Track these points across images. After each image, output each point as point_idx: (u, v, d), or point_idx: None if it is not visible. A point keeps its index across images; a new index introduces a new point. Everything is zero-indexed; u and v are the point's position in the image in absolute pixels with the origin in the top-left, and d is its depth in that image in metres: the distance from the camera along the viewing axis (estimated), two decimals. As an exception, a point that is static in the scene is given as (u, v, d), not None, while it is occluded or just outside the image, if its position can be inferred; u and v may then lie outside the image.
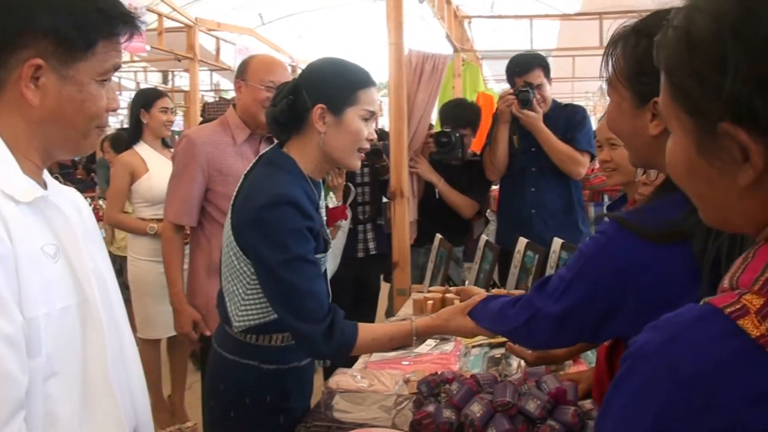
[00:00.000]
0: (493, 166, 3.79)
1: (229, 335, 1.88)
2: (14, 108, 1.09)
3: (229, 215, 1.83)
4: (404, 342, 1.83)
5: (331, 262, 2.80)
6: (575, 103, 5.44)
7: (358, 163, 1.89)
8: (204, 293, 2.86)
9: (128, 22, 1.14)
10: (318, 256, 1.79)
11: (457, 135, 3.75)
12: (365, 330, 1.76)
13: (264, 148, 2.69)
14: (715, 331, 0.67)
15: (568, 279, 1.38)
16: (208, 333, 2.84)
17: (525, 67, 3.60)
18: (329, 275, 2.32)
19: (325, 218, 1.99)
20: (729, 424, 0.64)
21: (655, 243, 1.20)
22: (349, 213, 3.86)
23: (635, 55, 1.20)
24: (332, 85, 1.80)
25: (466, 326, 1.78)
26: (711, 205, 0.78)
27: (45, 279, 1.06)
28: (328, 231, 1.91)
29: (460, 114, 3.93)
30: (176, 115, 3.98)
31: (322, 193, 1.96)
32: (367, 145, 1.85)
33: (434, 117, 4.59)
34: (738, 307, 0.67)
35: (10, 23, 1.06)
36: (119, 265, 4.92)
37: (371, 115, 1.84)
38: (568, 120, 3.64)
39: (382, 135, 4.14)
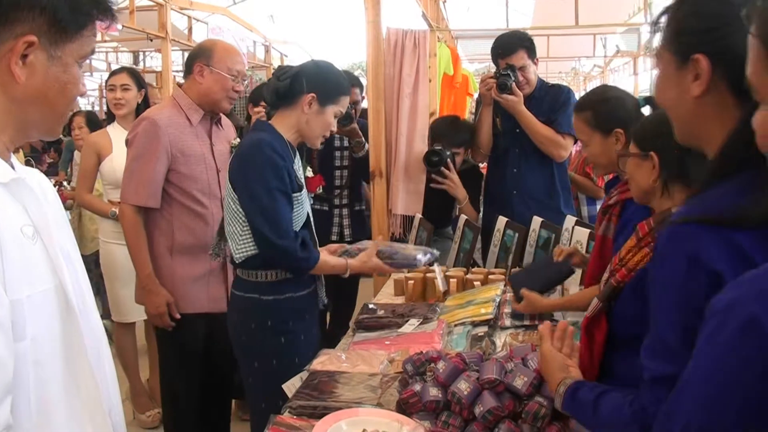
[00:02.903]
0: (477, 148, 3.78)
1: (237, 277, 2.48)
2: None
3: (227, 174, 2.43)
4: (340, 271, 2.53)
5: None
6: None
7: (319, 146, 2.57)
8: (169, 274, 2.88)
9: (109, 9, 1.15)
10: (294, 195, 2.35)
11: (448, 153, 3.68)
12: (325, 254, 2.48)
13: (215, 130, 2.93)
14: None
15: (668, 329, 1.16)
16: (178, 316, 2.88)
17: (507, 49, 3.55)
18: None
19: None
20: None
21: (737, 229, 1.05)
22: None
23: (676, 18, 1.22)
24: (327, 85, 2.43)
25: (378, 266, 2.57)
26: None
27: (26, 261, 1.04)
28: (300, 176, 2.46)
29: (455, 133, 3.82)
30: (128, 91, 3.81)
31: (299, 159, 2.50)
32: (328, 134, 2.53)
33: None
34: None
35: None
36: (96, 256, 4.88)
37: (341, 114, 2.52)
38: (552, 101, 3.59)
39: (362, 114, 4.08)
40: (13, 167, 1.12)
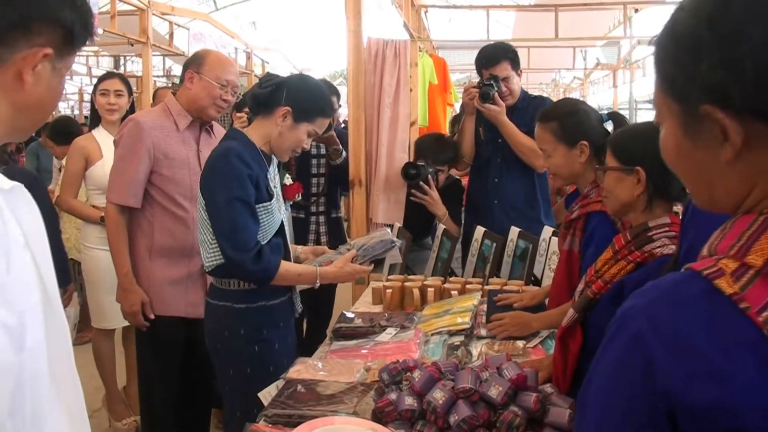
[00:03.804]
0: (460, 158, 3.80)
1: (211, 284, 2.48)
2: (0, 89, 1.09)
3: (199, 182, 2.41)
4: (310, 281, 2.45)
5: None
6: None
7: (286, 159, 2.55)
8: (147, 274, 2.92)
9: (92, 33, 1.20)
10: (262, 204, 2.33)
11: (431, 170, 3.70)
12: (284, 263, 2.38)
13: (204, 137, 2.94)
14: (695, 290, 0.77)
15: None
16: (152, 316, 2.91)
17: (491, 60, 3.57)
18: None
19: (281, 194, 2.55)
20: (707, 368, 0.74)
21: None
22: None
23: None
24: (306, 102, 2.40)
25: (356, 270, 2.51)
26: (699, 185, 0.87)
27: (24, 271, 1.03)
28: (273, 186, 2.42)
29: (439, 150, 3.83)
30: (122, 97, 3.79)
31: (274, 167, 2.48)
32: (299, 151, 2.49)
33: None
34: (715, 269, 0.77)
35: (38, 9, 1.08)
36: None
37: (316, 134, 2.49)
38: (535, 112, 3.61)
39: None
40: None
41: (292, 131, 2.39)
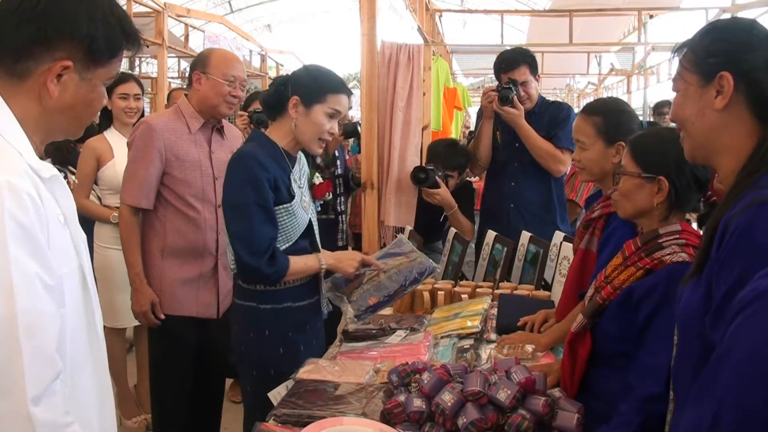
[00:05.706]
0: (476, 161, 3.81)
1: (238, 285, 2.45)
2: (33, 95, 1.28)
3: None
4: (315, 265, 2.42)
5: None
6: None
7: (319, 150, 2.46)
8: (158, 274, 2.94)
9: (137, 40, 1.38)
10: (282, 205, 2.32)
11: (440, 174, 3.70)
12: (291, 258, 2.35)
13: (216, 138, 2.96)
14: None
15: None
16: (162, 316, 2.93)
17: (510, 64, 3.59)
18: None
19: (310, 192, 2.57)
20: None
21: None
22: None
23: (703, 43, 1.34)
24: (310, 84, 2.36)
25: (353, 257, 2.53)
26: None
27: (62, 243, 1.26)
28: (298, 186, 2.42)
29: (451, 156, 3.82)
30: (140, 101, 3.84)
31: (300, 166, 2.49)
32: (328, 137, 2.41)
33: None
34: None
35: (55, 26, 1.25)
36: None
37: (336, 113, 2.39)
38: (552, 117, 3.62)
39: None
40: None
41: (307, 118, 2.35)
